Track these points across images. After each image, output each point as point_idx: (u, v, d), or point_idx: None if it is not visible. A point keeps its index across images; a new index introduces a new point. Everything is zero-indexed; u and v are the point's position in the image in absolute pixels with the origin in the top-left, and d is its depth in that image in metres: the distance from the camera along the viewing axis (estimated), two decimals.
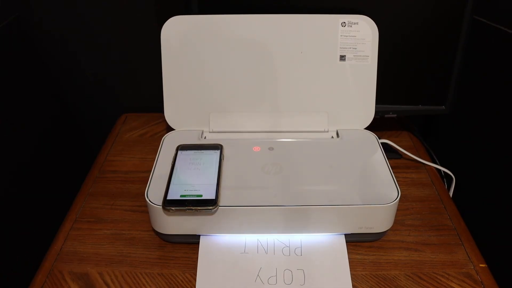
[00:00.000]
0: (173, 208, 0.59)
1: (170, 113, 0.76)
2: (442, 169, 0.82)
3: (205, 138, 0.75)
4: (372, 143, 0.73)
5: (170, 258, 0.64)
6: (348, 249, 0.62)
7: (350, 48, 0.73)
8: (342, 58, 0.73)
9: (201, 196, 0.60)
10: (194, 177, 0.64)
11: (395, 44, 0.76)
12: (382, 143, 0.74)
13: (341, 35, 0.72)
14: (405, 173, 0.80)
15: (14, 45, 0.88)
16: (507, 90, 0.78)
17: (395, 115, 0.84)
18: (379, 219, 0.62)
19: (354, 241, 0.64)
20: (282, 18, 0.72)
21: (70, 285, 0.60)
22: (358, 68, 0.74)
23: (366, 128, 0.77)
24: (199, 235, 0.63)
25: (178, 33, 0.72)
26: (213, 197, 0.60)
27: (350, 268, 0.60)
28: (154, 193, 0.62)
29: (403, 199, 0.74)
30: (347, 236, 0.63)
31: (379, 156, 0.70)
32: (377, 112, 0.77)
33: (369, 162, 0.69)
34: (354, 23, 0.72)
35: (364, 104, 0.76)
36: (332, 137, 0.75)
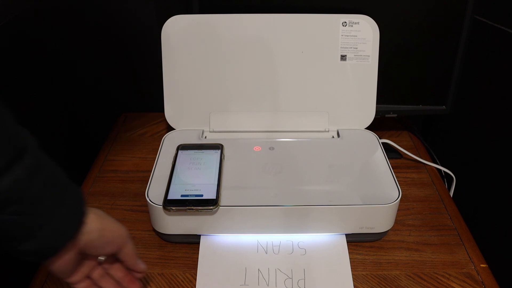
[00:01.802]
0: (173, 208, 0.59)
1: (170, 113, 0.76)
2: (443, 169, 0.82)
3: (205, 137, 0.75)
4: (373, 143, 0.73)
5: (170, 258, 0.63)
6: (348, 249, 0.62)
7: (351, 48, 0.73)
8: (343, 58, 0.73)
9: (201, 196, 0.60)
10: (195, 177, 0.63)
11: (395, 44, 0.76)
12: (383, 143, 0.74)
13: (342, 35, 0.72)
14: (405, 173, 0.80)
15: (14, 45, 0.88)
16: (507, 90, 0.78)
17: (396, 115, 0.84)
18: (380, 219, 0.62)
19: (354, 241, 0.64)
20: (282, 17, 0.72)
21: (70, 285, 0.60)
22: (358, 68, 0.74)
23: (366, 128, 0.77)
24: (199, 235, 0.63)
25: (179, 33, 0.72)
26: (213, 197, 0.60)
27: (351, 268, 0.60)
28: (154, 193, 0.61)
29: (403, 199, 0.74)
30: (348, 236, 0.63)
31: (380, 156, 0.70)
32: (377, 112, 0.77)
33: (369, 162, 0.69)
34: (355, 23, 0.72)
35: (364, 104, 0.75)
36: (333, 137, 0.75)
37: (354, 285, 0.58)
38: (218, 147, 0.69)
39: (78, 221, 0.45)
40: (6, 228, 0.40)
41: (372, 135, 0.75)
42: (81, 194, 0.47)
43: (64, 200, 0.44)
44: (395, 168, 0.70)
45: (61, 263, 0.45)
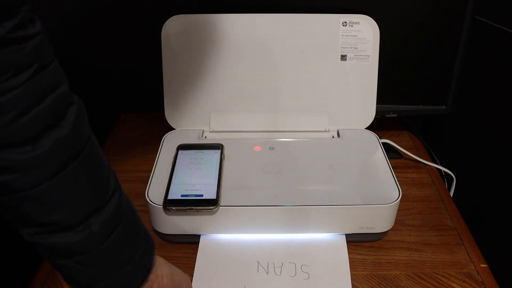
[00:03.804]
0: (173, 208, 0.59)
1: (170, 113, 0.76)
2: (443, 169, 0.82)
3: (205, 137, 0.75)
4: (373, 143, 0.73)
5: (170, 258, 0.63)
6: (349, 249, 0.62)
7: (351, 47, 0.73)
8: (343, 57, 0.73)
9: (201, 196, 0.60)
10: (195, 177, 0.63)
11: (396, 44, 0.76)
12: (383, 143, 0.74)
13: (342, 35, 0.72)
14: (405, 173, 0.80)
15: None
16: (507, 90, 0.78)
17: (396, 115, 0.84)
18: (380, 219, 0.62)
19: (354, 241, 0.64)
20: (283, 17, 0.72)
21: None
22: (359, 68, 0.74)
23: (366, 128, 0.77)
24: (199, 235, 0.63)
25: (179, 32, 0.72)
26: (214, 197, 0.60)
27: (351, 268, 0.60)
28: (154, 193, 0.62)
29: (403, 199, 0.73)
30: (348, 236, 0.63)
31: (380, 156, 0.70)
32: (377, 112, 0.77)
33: (370, 162, 0.69)
34: (355, 23, 0.72)
35: (365, 104, 0.75)
36: (333, 136, 0.75)
37: (354, 285, 0.58)
38: (218, 147, 0.69)
39: (141, 277, 0.43)
40: (68, 272, 0.40)
41: (372, 135, 0.75)
42: (152, 246, 0.45)
43: (134, 255, 0.42)
44: (395, 168, 0.70)
45: None
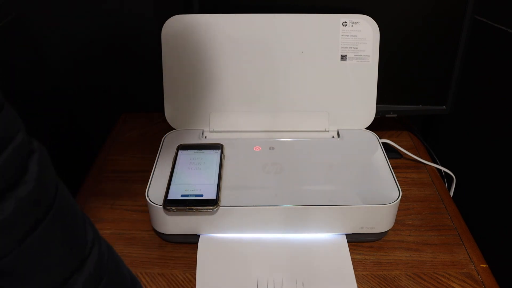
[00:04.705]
0: (173, 208, 0.59)
1: (170, 113, 0.76)
2: (443, 169, 0.82)
3: (205, 137, 0.75)
4: (373, 143, 0.73)
5: (170, 258, 0.63)
6: (349, 249, 0.62)
7: (351, 47, 0.73)
8: (343, 57, 0.73)
9: (201, 196, 0.60)
10: (195, 177, 0.63)
11: (396, 44, 0.76)
12: (383, 143, 0.74)
13: (342, 35, 0.72)
14: (405, 173, 0.80)
15: (14, 45, 0.88)
16: (507, 90, 0.78)
17: (396, 115, 0.84)
18: (380, 219, 0.62)
19: (355, 241, 0.64)
20: (282, 17, 0.72)
21: None
22: (359, 68, 0.74)
23: (366, 128, 0.77)
24: (199, 235, 0.63)
25: (179, 33, 0.72)
26: (214, 197, 0.60)
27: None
28: (154, 193, 0.62)
29: (403, 199, 0.73)
30: (348, 236, 0.63)
31: (380, 156, 0.70)
32: (377, 112, 0.77)
33: (370, 162, 0.69)
34: (355, 23, 0.72)
35: (365, 104, 0.75)
36: (333, 136, 0.75)
37: None
38: (218, 147, 0.69)
39: None
40: None
41: (372, 135, 0.75)
42: None
43: None
44: (395, 168, 0.70)
45: None
